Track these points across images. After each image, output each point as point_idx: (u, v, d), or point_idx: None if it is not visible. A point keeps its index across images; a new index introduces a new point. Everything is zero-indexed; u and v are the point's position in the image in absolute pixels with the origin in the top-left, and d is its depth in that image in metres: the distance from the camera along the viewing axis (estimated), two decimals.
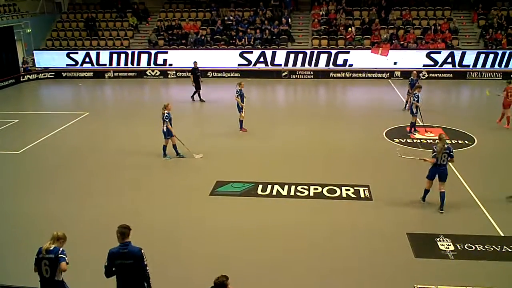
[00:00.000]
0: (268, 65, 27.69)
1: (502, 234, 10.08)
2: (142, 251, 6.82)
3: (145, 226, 10.50)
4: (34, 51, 29.75)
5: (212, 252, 9.68)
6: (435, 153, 10.96)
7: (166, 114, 14.14)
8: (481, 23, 28.61)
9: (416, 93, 16.65)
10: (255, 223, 10.87)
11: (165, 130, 14.22)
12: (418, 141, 16.12)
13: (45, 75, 29.00)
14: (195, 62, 22.71)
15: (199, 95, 22.34)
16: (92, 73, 28.89)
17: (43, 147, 16.37)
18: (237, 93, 16.96)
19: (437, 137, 16.18)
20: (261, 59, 27.78)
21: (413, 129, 16.79)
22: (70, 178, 13.63)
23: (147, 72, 28.26)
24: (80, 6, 33.29)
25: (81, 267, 8.44)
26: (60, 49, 29.81)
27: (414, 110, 16.52)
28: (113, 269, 6.84)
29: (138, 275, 6.82)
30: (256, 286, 8.57)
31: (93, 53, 29.17)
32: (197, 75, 22.06)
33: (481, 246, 9.59)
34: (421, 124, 17.20)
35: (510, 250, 9.47)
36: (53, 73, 29.12)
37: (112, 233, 10.32)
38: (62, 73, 29.08)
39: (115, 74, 28.68)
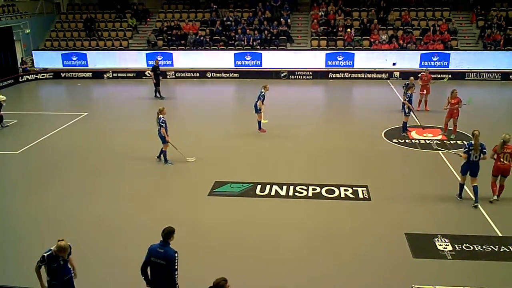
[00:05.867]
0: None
1: (500, 234, 10.09)
2: (176, 254, 6.84)
3: (144, 226, 10.50)
4: (33, 52, 29.75)
5: (210, 252, 9.68)
6: (466, 149, 11.11)
7: (162, 119, 13.85)
8: (480, 24, 28.65)
9: (408, 93, 16.77)
10: (254, 223, 10.87)
11: (162, 135, 13.95)
12: (417, 141, 16.15)
13: (44, 75, 29.00)
14: (156, 60, 23.37)
15: (159, 92, 23.04)
16: (91, 73, 28.89)
17: (41, 148, 16.36)
18: (262, 97, 16.78)
19: (436, 138, 16.35)
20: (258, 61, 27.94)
21: (406, 129, 16.83)
22: (68, 179, 13.61)
23: (146, 73, 28.25)
24: (79, 6, 33.29)
25: (81, 267, 8.41)
26: (59, 50, 29.81)
27: (406, 110, 16.60)
28: (148, 266, 6.99)
29: (167, 277, 6.88)
30: (254, 286, 8.57)
31: (92, 54, 29.19)
32: (157, 72, 22.81)
33: (479, 246, 9.60)
34: (418, 124, 17.30)
35: (508, 250, 9.48)
36: (52, 74, 29.12)
37: (111, 233, 10.40)
38: (61, 74, 29.08)
39: (114, 74, 28.69)
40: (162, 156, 14.36)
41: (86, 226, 10.83)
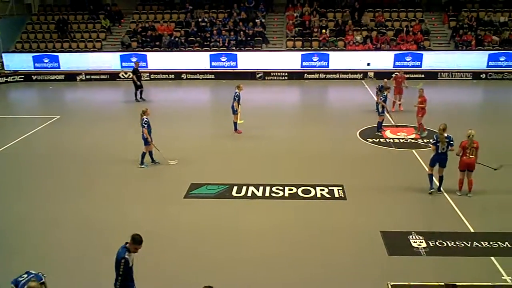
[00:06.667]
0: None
1: (472, 230, 10.27)
2: (123, 261, 6.78)
3: (119, 230, 10.31)
4: (3, 54, 28.99)
5: (186, 254, 9.59)
6: (435, 141, 11.70)
7: (145, 120, 13.71)
8: (452, 24, 29.18)
9: (384, 93, 17.07)
10: (230, 224, 10.81)
11: (145, 136, 13.77)
12: (391, 140, 16.32)
13: (14, 78, 28.31)
14: (136, 62, 23.19)
15: (138, 94, 22.77)
16: (63, 75, 28.34)
17: (12, 152, 15.95)
18: (237, 97, 16.69)
19: (410, 136, 16.58)
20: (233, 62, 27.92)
21: (381, 129, 17.02)
22: (40, 183, 13.33)
23: (120, 75, 27.90)
24: (51, 7, 32.66)
25: (55, 272, 8.23)
26: (30, 52, 29.13)
27: (380, 110, 16.83)
28: None
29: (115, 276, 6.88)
30: (232, 287, 8.53)
31: (64, 56, 28.64)
32: (138, 75, 22.59)
33: (452, 243, 9.74)
34: (392, 123, 17.54)
35: (480, 245, 9.65)
36: (23, 76, 28.44)
37: (84, 238, 10.20)
38: (32, 76, 28.45)
39: (87, 76, 28.22)
40: (142, 157, 14.14)
41: (59, 229, 10.62)
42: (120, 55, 28.29)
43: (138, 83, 22.54)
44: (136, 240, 6.92)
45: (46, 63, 28.62)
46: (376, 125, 17.08)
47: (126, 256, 6.83)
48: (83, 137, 17.52)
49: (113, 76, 28.07)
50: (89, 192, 12.64)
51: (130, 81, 26.96)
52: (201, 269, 9.00)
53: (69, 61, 28.56)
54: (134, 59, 26.57)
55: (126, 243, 6.96)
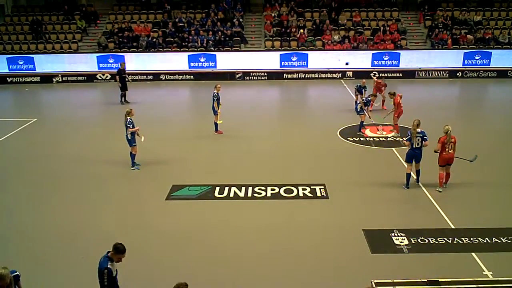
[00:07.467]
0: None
1: (453, 227, 10.43)
2: (105, 271, 6.61)
3: (100, 233, 10.20)
4: None
5: (167, 256, 9.51)
6: (408, 137, 12.03)
7: (129, 120, 13.58)
8: (427, 23, 29.61)
9: (369, 98, 17.40)
10: (214, 226, 10.75)
11: (129, 138, 13.64)
12: (371, 139, 16.47)
13: None
14: (121, 63, 22.83)
15: (124, 96, 22.42)
16: (39, 77, 27.81)
17: None
18: (215, 97, 16.60)
19: (389, 135, 16.76)
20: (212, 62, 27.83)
21: (362, 127, 17.16)
22: (17, 188, 13.05)
23: (98, 76, 27.53)
24: (25, 8, 32.00)
25: (34, 275, 8.07)
26: (4, 54, 28.48)
27: (359, 109, 17.01)
28: None
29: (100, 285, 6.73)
30: (215, 286, 8.48)
31: (39, 57, 28.11)
32: (122, 76, 22.20)
33: (434, 239, 9.87)
34: (372, 122, 17.67)
35: (461, 241, 9.80)
36: None
37: (65, 240, 10.02)
38: (7, 78, 27.83)
39: (64, 78, 27.74)
40: (132, 159, 13.98)
41: (39, 233, 10.42)
42: (97, 56, 27.90)
43: (120, 84, 22.18)
44: (119, 250, 6.74)
45: (21, 65, 28.06)
46: (356, 124, 17.20)
47: (109, 266, 6.66)
48: (62, 139, 17.22)
49: (90, 77, 27.65)
50: (68, 195, 12.40)
51: (108, 82, 26.83)
52: (184, 270, 8.92)
53: (45, 62, 28.03)
54: (111, 60, 26.28)
55: (108, 252, 6.80)
